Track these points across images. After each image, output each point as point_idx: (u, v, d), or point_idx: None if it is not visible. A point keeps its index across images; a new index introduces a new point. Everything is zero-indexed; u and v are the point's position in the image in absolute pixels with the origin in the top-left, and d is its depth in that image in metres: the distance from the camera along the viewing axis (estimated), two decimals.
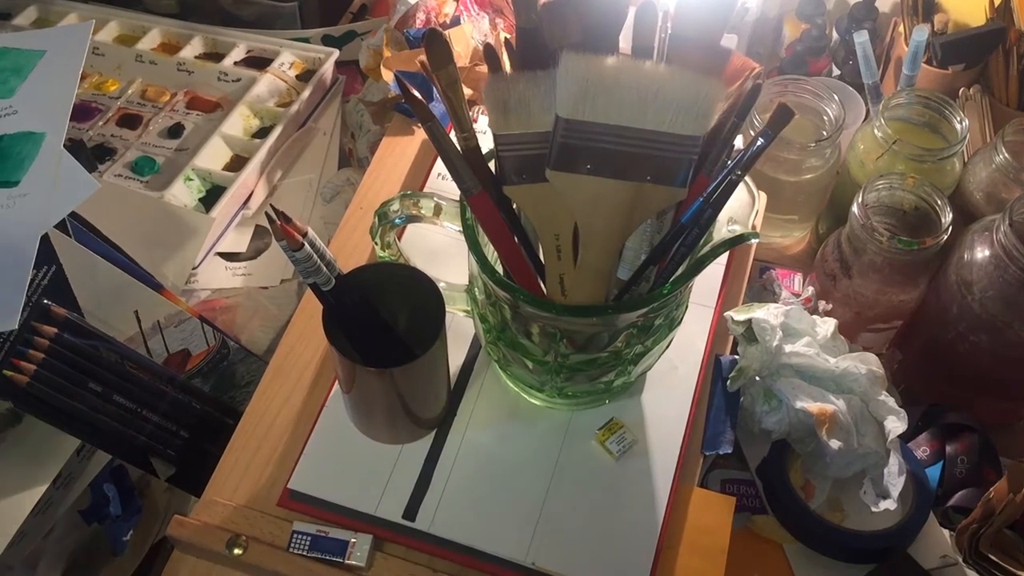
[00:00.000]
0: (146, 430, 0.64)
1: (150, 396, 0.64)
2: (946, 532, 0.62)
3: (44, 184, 0.61)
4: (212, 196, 0.78)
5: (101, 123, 0.85)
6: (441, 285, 0.55)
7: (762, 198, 0.73)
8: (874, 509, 0.61)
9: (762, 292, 0.77)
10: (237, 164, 0.81)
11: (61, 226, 0.62)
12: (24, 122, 0.60)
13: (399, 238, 0.67)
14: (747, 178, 0.48)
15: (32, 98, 0.59)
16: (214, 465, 0.59)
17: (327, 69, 0.89)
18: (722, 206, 0.48)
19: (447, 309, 0.54)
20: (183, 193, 0.78)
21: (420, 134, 0.78)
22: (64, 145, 0.63)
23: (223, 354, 0.71)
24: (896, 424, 0.61)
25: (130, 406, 0.63)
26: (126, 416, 0.63)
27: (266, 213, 0.47)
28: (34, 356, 0.58)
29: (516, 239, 0.51)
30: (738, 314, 0.63)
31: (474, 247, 0.49)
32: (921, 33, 0.80)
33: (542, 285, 0.52)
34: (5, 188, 0.61)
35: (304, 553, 0.55)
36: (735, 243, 0.48)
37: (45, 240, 0.60)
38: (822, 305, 0.73)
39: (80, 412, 0.60)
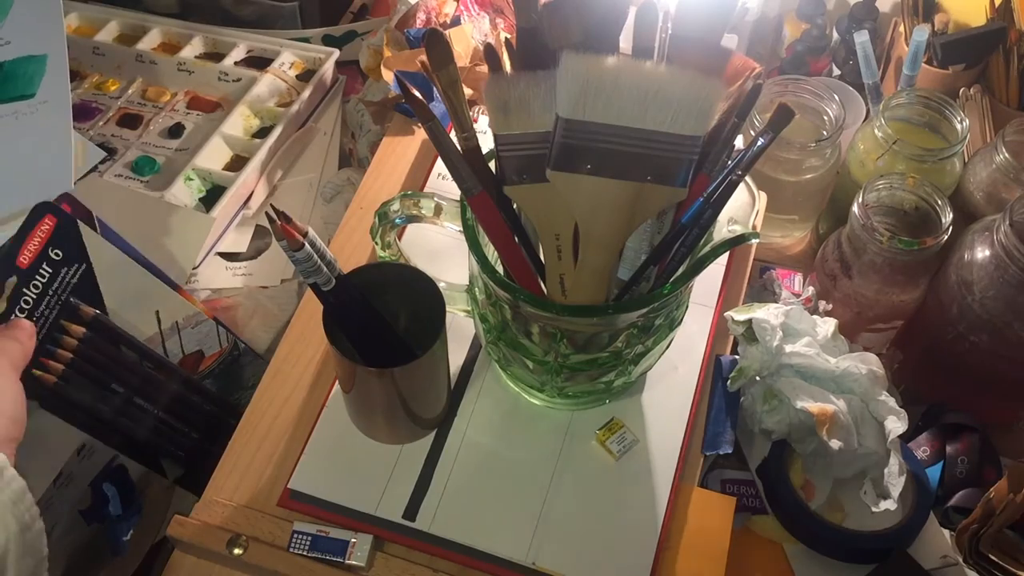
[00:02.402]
0: (160, 431, 0.64)
1: (166, 397, 0.64)
2: (946, 532, 0.62)
3: (62, 91, 0.63)
4: (212, 196, 0.78)
5: (101, 123, 0.85)
6: (441, 285, 0.55)
7: (762, 198, 0.73)
8: (874, 509, 0.61)
9: (762, 292, 0.77)
10: (237, 164, 0.81)
11: (89, 223, 0.63)
12: (20, 49, 0.62)
13: (399, 238, 0.67)
14: (747, 178, 0.48)
15: (21, 30, 0.61)
16: None
17: (327, 69, 0.89)
18: (722, 206, 0.48)
19: (447, 309, 0.54)
20: (183, 193, 0.78)
21: (420, 134, 0.78)
22: None
23: (234, 356, 0.71)
24: (896, 424, 0.61)
25: (147, 407, 0.63)
26: (143, 417, 0.63)
27: (266, 213, 0.47)
28: (62, 356, 0.58)
29: (516, 239, 0.51)
30: (738, 314, 0.63)
31: (474, 247, 0.49)
32: (921, 33, 0.80)
33: (542, 285, 0.52)
34: (25, 100, 0.62)
35: (304, 553, 0.55)
36: (735, 243, 0.48)
37: (77, 238, 0.60)
38: (822, 305, 0.73)
39: (102, 413, 0.60)
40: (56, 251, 0.58)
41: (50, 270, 0.58)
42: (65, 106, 0.64)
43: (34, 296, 0.57)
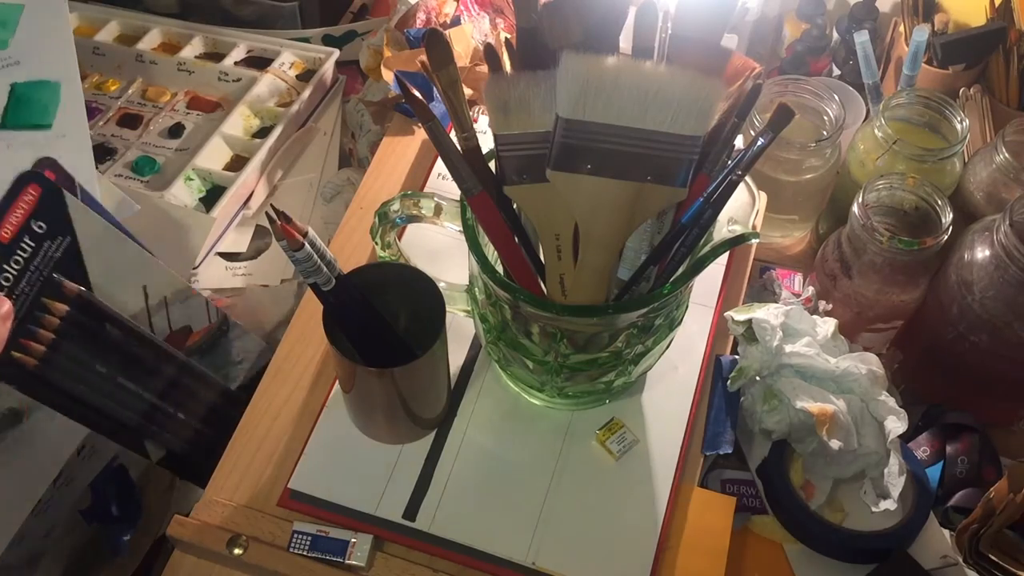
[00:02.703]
0: (145, 412, 0.62)
1: (151, 377, 0.62)
2: (946, 532, 0.62)
3: (80, 126, 0.62)
4: (212, 196, 0.78)
5: (101, 123, 0.85)
6: (441, 285, 0.55)
7: (762, 198, 0.73)
8: (874, 509, 0.61)
9: (762, 292, 0.77)
10: (237, 164, 0.81)
11: (71, 190, 0.59)
12: (31, 72, 0.61)
13: (399, 238, 0.67)
14: (747, 178, 0.48)
15: (30, 49, 0.59)
16: (207, 447, 0.59)
17: (327, 69, 0.89)
18: (722, 206, 0.48)
19: (447, 309, 0.54)
20: (183, 193, 0.78)
21: (420, 134, 0.78)
22: None
23: (223, 330, 0.69)
24: (896, 424, 0.61)
25: (132, 388, 0.61)
26: (127, 399, 0.61)
27: (266, 213, 0.47)
28: (43, 336, 0.55)
29: (516, 239, 0.51)
30: (738, 314, 0.63)
31: (474, 247, 0.49)
32: (921, 33, 0.80)
33: (542, 285, 0.52)
34: (41, 130, 0.60)
35: (304, 553, 0.55)
36: (735, 243, 0.48)
37: (62, 209, 0.57)
38: (822, 305, 0.73)
39: (84, 394, 0.58)
40: (39, 224, 0.54)
41: (32, 244, 0.54)
42: (85, 142, 0.62)
43: (15, 272, 0.53)
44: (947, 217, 0.67)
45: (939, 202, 0.68)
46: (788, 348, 0.62)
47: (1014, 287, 0.62)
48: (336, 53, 0.90)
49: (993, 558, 0.58)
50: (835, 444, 0.59)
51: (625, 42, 0.50)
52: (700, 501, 0.58)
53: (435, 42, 0.48)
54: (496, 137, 0.48)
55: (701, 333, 0.65)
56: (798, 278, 0.77)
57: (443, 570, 0.55)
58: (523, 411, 0.61)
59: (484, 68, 0.73)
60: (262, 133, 0.84)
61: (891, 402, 0.63)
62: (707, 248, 0.49)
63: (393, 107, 0.80)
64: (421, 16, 0.81)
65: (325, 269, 0.50)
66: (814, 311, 0.72)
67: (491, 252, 0.52)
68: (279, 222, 0.46)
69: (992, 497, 0.60)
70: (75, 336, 0.57)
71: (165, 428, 0.64)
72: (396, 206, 0.55)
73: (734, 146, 0.49)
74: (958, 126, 0.74)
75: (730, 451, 0.60)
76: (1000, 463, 0.68)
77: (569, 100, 0.45)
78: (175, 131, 0.84)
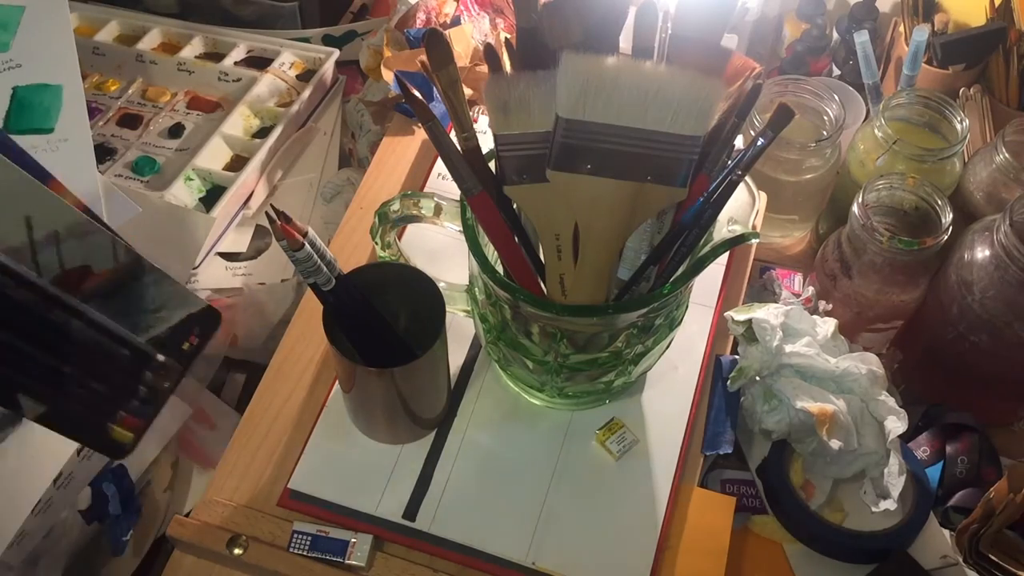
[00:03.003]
0: (17, 363, 0.55)
1: (27, 322, 0.54)
2: (946, 532, 0.62)
3: (82, 130, 0.60)
4: (212, 196, 0.78)
5: (101, 123, 0.85)
6: (441, 285, 0.55)
7: (762, 198, 0.73)
8: (874, 509, 0.61)
9: (762, 292, 0.77)
10: (237, 164, 0.81)
11: None
12: (33, 75, 0.59)
13: (399, 238, 0.67)
14: (747, 178, 0.48)
15: (31, 52, 0.58)
16: (100, 404, 0.54)
17: (327, 69, 0.89)
18: (722, 206, 0.48)
19: (447, 309, 0.54)
20: (183, 193, 0.78)
21: (420, 134, 0.78)
22: None
23: (135, 274, 0.61)
24: (896, 424, 0.61)
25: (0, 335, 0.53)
26: None
27: (266, 213, 0.47)
28: None
29: (516, 239, 0.51)
30: (738, 314, 0.63)
31: (474, 247, 0.49)
32: (921, 33, 0.80)
33: (542, 285, 0.52)
34: (43, 134, 0.58)
35: (304, 553, 0.55)
36: (735, 243, 0.48)
37: None
38: (822, 305, 0.73)
39: None
40: None
41: None
42: (87, 146, 0.61)
43: None
44: (947, 217, 0.67)
45: (939, 202, 0.68)
46: (788, 348, 0.62)
47: (1014, 287, 0.62)
48: (336, 53, 0.90)
49: (993, 558, 0.58)
50: (835, 444, 0.59)
51: (625, 42, 0.50)
52: (700, 501, 0.58)
53: (435, 42, 0.48)
54: (496, 137, 0.48)
55: (701, 333, 0.66)
56: (798, 278, 0.77)
57: (443, 570, 0.55)
58: (523, 411, 0.61)
59: (484, 68, 0.73)
60: (262, 133, 0.84)
61: (891, 402, 0.63)
62: (707, 248, 0.49)
63: (393, 107, 0.80)
64: (421, 16, 0.81)
65: (325, 269, 0.50)
66: (814, 311, 0.72)
67: (491, 252, 0.52)
68: (279, 222, 0.46)
69: (992, 497, 0.60)
70: None
71: (45, 381, 0.56)
72: (396, 206, 0.55)
73: (734, 146, 0.49)
74: (958, 126, 0.74)
75: (730, 451, 0.60)
76: (1000, 463, 0.68)
77: (569, 100, 0.45)
78: (175, 131, 0.84)
